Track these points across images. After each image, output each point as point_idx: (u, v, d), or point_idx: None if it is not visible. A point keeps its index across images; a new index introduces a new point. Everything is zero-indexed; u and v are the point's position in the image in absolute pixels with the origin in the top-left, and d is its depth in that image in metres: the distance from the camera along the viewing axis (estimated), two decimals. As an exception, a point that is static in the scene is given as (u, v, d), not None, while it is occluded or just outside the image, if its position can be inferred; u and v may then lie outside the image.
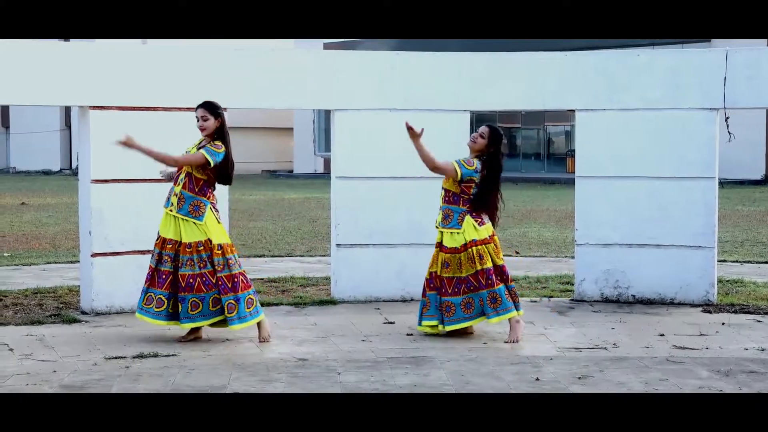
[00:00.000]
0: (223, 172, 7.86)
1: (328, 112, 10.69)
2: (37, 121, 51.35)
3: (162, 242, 7.87)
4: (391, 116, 9.73)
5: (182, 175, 7.81)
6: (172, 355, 7.37)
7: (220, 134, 7.87)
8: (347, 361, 7.27)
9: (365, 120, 9.75)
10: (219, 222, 7.91)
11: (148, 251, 9.06)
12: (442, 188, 8.14)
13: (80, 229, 9.28)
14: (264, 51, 9.83)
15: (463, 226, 7.98)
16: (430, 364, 7.16)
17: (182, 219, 7.79)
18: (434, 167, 8.02)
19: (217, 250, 7.80)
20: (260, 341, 7.88)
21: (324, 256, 13.11)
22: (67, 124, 50.93)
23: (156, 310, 7.82)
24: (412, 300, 9.71)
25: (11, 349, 7.56)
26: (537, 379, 6.74)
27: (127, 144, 7.71)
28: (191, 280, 7.75)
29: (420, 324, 8.16)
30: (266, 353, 7.52)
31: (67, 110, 48.62)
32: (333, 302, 9.67)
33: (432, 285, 8.09)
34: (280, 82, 9.57)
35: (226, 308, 7.76)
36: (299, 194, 27.64)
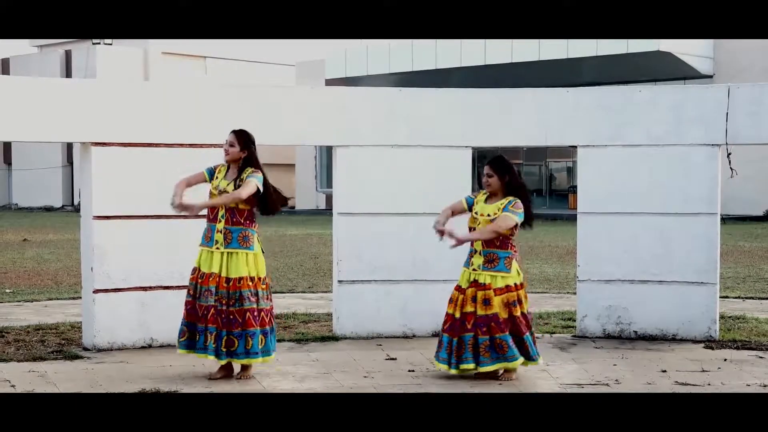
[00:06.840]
0: (263, 200, 7.81)
1: (330, 148, 10.70)
2: (39, 158, 51.43)
3: (205, 277, 7.72)
4: (393, 152, 9.76)
5: (221, 212, 7.72)
6: (174, 391, 7.35)
7: (251, 163, 7.81)
8: (349, 397, 7.24)
9: (367, 156, 9.76)
10: (263, 252, 7.91)
11: (150, 288, 9.10)
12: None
13: (82, 266, 9.27)
14: (266, 87, 9.84)
15: (512, 270, 7.90)
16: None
17: (228, 253, 7.71)
18: (498, 234, 7.81)
19: (262, 284, 7.81)
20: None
21: (326, 292, 13.10)
22: (69, 161, 51.00)
23: (205, 344, 7.68)
24: (414, 336, 9.70)
25: (13, 386, 7.54)
26: (540, 416, 6.71)
27: (187, 208, 7.63)
28: (248, 315, 7.69)
29: (481, 366, 7.78)
30: (268, 389, 7.49)
31: (69, 146, 48.65)
32: (335, 338, 9.65)
33: (468, 326, 7.76)
34: (282, 119, 9.58)
35: (260, 341, 7.73)
36: (301, 230, 27.61)
